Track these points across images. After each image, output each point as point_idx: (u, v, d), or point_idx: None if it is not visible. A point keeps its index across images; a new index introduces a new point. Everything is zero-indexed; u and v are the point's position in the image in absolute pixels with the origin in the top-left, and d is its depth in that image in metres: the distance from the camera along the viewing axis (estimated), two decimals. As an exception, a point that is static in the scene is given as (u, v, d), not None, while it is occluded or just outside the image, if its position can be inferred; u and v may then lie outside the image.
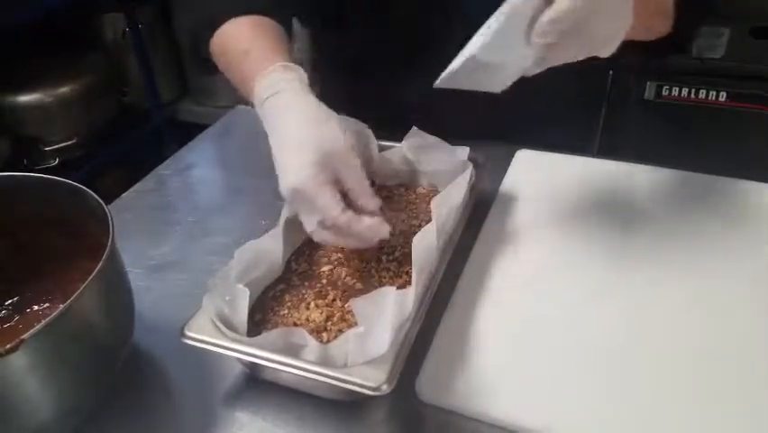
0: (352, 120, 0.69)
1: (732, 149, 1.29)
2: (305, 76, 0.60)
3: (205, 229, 0.74)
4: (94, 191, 0.82)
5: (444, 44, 0.55)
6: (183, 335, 0.50)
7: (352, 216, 0.52)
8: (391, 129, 0.70)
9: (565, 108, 0.86)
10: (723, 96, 1.29)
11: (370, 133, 0.70)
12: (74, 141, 2.07)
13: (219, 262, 0.59)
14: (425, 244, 0.55)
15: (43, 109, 2.01)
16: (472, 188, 0.66)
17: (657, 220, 0.69)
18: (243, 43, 0.65)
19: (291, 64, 0.60)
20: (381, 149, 0.71)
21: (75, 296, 0.45)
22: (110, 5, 2.11)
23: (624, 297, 0.60)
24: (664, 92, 1.32)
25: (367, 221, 0.53)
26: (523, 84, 0.82)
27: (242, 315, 0.51)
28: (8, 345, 0.42)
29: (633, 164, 0.78)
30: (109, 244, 0.49)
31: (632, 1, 0.51)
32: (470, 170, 0.66)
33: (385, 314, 0.47)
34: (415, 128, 0.69)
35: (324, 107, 0.56)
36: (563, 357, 0.54)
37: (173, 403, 0.55)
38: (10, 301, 0.62)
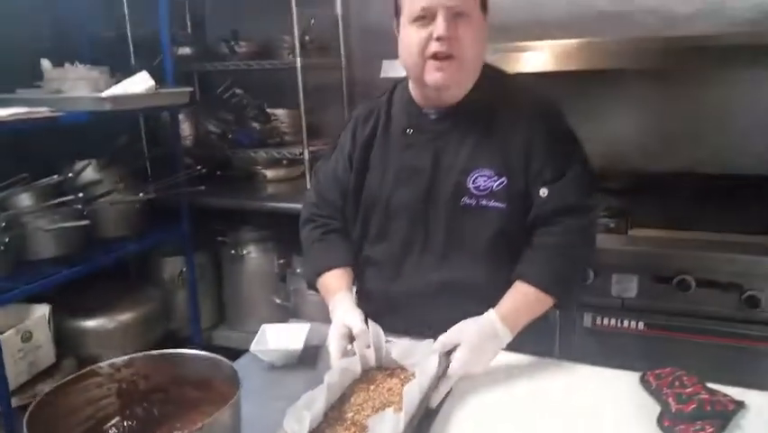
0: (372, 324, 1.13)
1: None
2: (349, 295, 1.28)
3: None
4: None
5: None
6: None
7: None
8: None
9: (527, 332, 1.27)
10: (641, 325, 1.73)
11: (381, 333, 1.13)
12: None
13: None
14: (413, 394, 0.95)
15: (104, 333, 2.40)
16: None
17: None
18: (332, 285, 1.33)
19: (344, 293, 1.28)
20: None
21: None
22: (171, 252, 2.66)
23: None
24: (597, 321, 1.76)
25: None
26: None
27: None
28: None
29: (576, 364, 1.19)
30: (236, 395, 0.88)
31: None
32: (437, 355, 1.07)
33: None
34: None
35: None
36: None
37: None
38: (157, 435, 0.98)
